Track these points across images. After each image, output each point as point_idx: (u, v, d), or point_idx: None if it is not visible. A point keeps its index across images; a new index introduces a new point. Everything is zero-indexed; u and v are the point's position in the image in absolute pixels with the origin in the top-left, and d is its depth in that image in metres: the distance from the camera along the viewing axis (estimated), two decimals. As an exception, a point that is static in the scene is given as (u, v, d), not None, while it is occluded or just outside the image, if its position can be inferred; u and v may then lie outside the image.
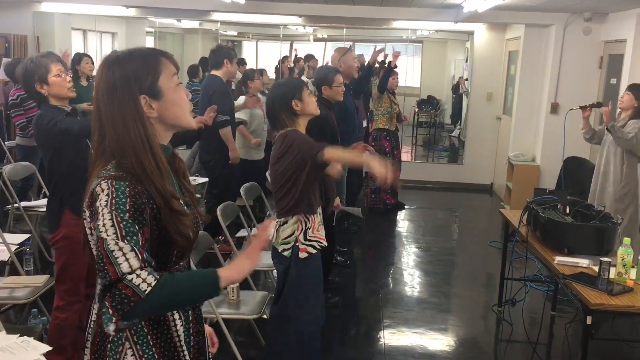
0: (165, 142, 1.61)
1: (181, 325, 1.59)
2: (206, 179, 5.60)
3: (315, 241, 2.98)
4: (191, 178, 6.44)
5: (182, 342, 1.58)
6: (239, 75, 7.55)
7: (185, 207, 1.58)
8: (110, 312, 1.38)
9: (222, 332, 3.19)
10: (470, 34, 8.77)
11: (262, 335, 3.55)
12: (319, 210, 3.05)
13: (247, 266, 1.56)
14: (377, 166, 2.52)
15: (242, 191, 4.33)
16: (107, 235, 1.39)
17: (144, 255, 1.41)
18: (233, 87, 6.73)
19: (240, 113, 5.56)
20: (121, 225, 1.40)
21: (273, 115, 3.00)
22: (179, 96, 1.58)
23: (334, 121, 4.15)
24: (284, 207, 2.95)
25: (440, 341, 3.95)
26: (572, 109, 4.71)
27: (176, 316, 1.58)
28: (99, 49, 9.41)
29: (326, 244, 3.07)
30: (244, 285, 3.82)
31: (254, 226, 4.39)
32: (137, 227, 1.42)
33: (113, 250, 1.38)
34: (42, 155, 3.12)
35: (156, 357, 1.53)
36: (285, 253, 2.96)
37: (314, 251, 2.97)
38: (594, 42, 6.87)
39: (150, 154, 1.50)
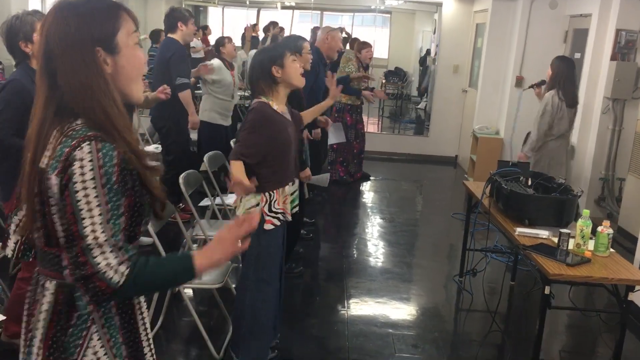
0: None
1: (144, 302, 1.52)
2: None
3: (281, 213, 2.95)
4: (154, 146, 6.27)
5: (146, 322, 1.52)
6: (199, 43, 7.35)
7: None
8: (86, 300, 1.35)
9: (184, 302, 3.16)
10: (439, 5, 8.74)
11: (224, 305, 3.52)
12: (292, 183, 3.00)
13: (222, 257, 1.45)
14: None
15: (205, 159, 4.25)
16: (92, 218, 1.28)
17: (122, 243, 1.32)
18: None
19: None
20: (108, 205, 1.29)
21: (252, 81, 2.92)
22: (136, 56, 1.42)
23: (301, 91, 4.07)
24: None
25: (402, 310, 4.00)
26: (524, 89, 4.74)
27: (141, 297, 1.51)
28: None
29: (290, 219, 3.03)
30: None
31: (217, 195, 4.33)
32: (122, 203, 1.32)
33: (90, 244, 1.28)
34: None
35: (120, 340, 1.44)
36: None
37: (278, 223, 2.93)
38: (560, 16, 6.91)
39: (116, 108, 1.36)
